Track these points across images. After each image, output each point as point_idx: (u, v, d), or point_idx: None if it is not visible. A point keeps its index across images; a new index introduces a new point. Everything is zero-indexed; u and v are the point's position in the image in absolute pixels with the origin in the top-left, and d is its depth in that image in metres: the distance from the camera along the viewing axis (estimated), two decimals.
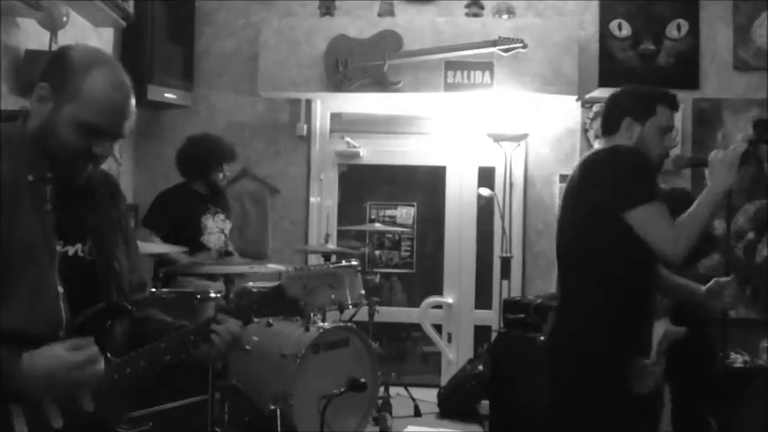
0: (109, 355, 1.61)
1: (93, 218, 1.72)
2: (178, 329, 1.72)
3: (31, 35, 3.57)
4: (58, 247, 1.62)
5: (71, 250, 1.66)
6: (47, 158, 1.61)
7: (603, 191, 2.33)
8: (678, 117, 4.82)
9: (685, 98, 4.86)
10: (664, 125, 2.41)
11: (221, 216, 4.27)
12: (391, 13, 4.92)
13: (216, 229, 4.21)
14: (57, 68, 1.63)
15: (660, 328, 2.51)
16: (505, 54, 4.59)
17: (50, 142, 1.60)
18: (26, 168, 1.60)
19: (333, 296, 1.74)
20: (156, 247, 3.76)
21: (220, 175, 4.24)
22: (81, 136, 1.60)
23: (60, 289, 1.59)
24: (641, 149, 2.37)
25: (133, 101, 1.66)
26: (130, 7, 4.20)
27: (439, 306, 5.26)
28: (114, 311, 1.69)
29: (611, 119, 2.47)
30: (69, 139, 1.59)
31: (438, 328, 5.24)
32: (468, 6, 4.91)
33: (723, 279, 2.51)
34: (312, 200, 5.20)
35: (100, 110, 1.60)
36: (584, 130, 4.94)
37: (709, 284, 2.52)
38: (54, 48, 3.38)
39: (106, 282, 1.70)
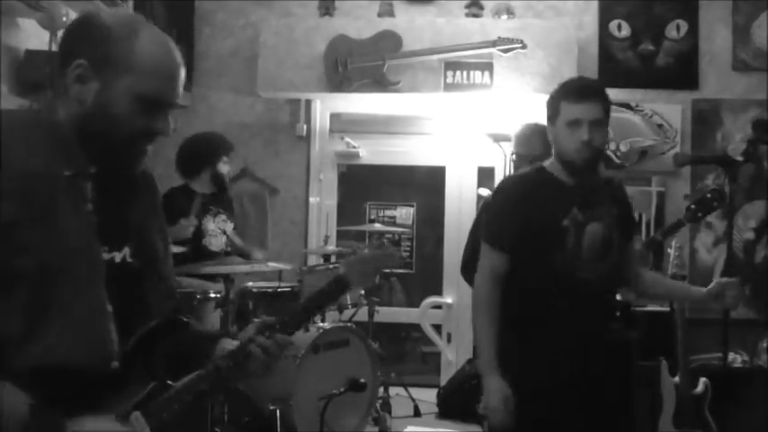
0: (170, 381, 1.38)
1: (135, 215, 1.46)
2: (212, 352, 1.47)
3: (31, 35, 3.57)
4: (104, 255, 1.36)
5: (118, 257, 1.39)
6: (92, 149, 1.36)
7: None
8: (678, 117, 4.84)
9: (684, 98, 4.87)
10: (570, 119, 2.36)
11: (222, 216, 4.24)
12: (391, 14, 4.92)
13: (217, 230, 4.19)
14: (91, 39, 1.35)
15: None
16: (505, 54, 4.59)
17: (105, 126, 1.35)
18: (62, 162, 1.33)
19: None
20: None
21: (226, 168, 4.20)
22: (142, 111, 1.36)
23: (110, 307, 1.34)
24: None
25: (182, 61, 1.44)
26: (129, 8, 4.20)
27: (438, 306, 5.25)
28: (168, 327, 1.42)
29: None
30: (130, 116, 1.35)
31: (437, 328, 5.24)
32: (467, 7, 4.91)
33: (725, 279, 2.50)
34: (312, 200, 5.19)
35: (159, 76, 1.37)
36: None
37: (710, 285, 2.52)
38: (54, 48, 3.38)
39: (155, 290, 1.46)
